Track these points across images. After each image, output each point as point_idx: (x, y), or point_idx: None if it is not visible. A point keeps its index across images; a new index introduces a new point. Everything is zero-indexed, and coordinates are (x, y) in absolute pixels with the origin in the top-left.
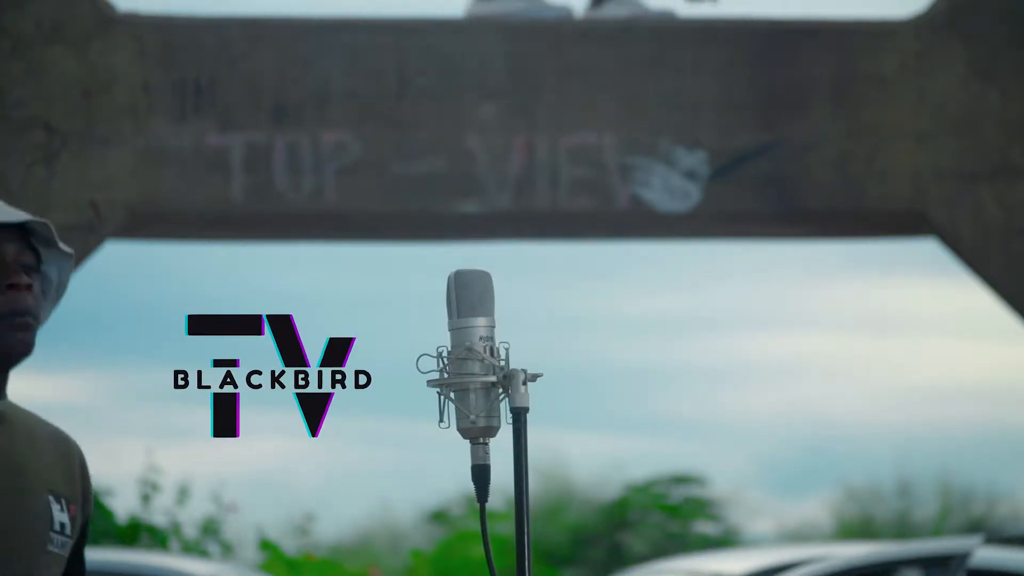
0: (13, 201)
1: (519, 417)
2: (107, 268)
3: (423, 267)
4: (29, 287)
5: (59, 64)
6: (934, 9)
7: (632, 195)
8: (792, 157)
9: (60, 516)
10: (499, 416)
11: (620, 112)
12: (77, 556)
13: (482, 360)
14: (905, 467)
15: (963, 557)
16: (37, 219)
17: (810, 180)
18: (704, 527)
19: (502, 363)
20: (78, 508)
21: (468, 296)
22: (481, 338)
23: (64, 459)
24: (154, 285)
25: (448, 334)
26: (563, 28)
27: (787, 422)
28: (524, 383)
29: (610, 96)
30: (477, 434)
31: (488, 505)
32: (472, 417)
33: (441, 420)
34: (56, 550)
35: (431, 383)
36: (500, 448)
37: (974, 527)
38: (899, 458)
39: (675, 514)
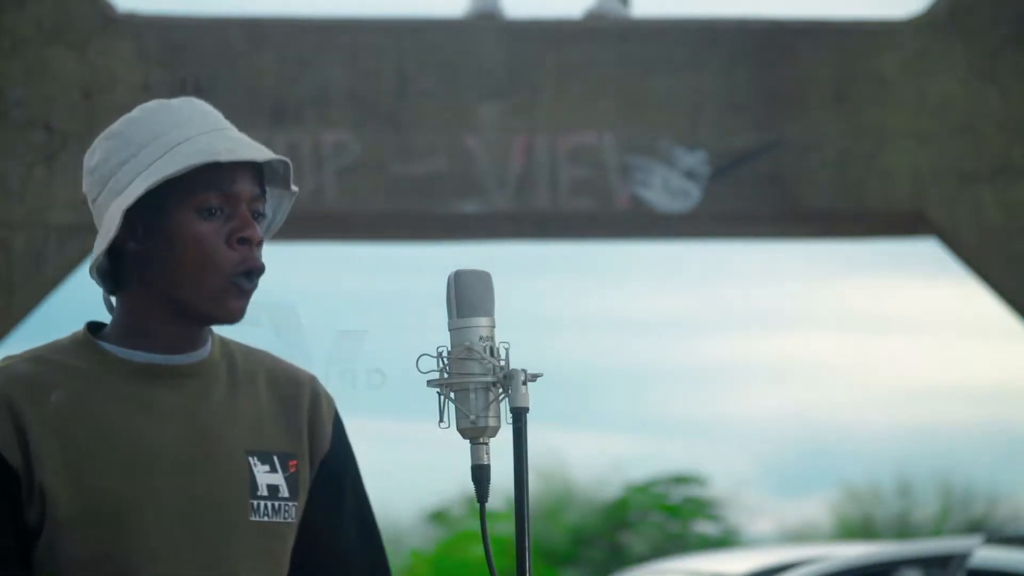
0: (13, 201)
1: (519, 417)
2: None
3: (423, 267)
4: (261, 243)
5: (59, 64)
6: (934, 9)
7: (632, 195)
8: (792, 157)
9: (268, 478)
10: (499, 416)
11: (620, 112)
12: (331, 514)
13: (482, 360)
14: (905, 467)
15: (963, 557)
16: (280, 157)
17: (810, 180)
18: (704, 527)
19: (502, 363)
20: (304, 461)
21: (468, 296)
22: (481, 338)
23: (287, 408)
24: None
25: (448, 334)
26: (563, 28)
27: (787, 422)
28: (524, 383)
29: (610, 96)
30: (477, 434)
31: (488, 505)
32: (472, 417)
33: (441, 420)
34: (264, 518)
35: (431, 383)
36: (500, 448)
37: (974, 527)
38: (899, 458)
39: (675, 514)
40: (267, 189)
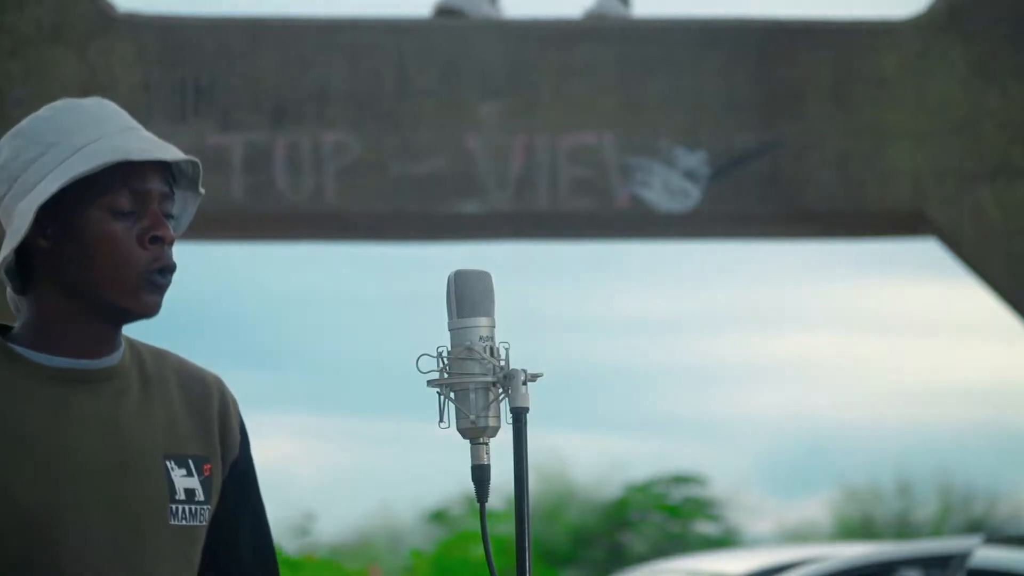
0: None
1: (519, 417)
2: None
3: (423, 267)
4: (172, 242)
5: (59, 64)
6: (934, 9)
7: (632, 195)
8: (792, 157)
9: (185, 482)
10: (499, 416)
11: (620, 112)
12: (235, 516)
13: (482, 360)
14: (905, 467)
15: (963, 557)
16: (190, 158)
17: (810, 180)
18: (704, 527)
19: (502, 363)
20: (217, 465)
21: (468, 296)
22: (481, 338)
23: (198, 410)
24: None
25: (448, 334)
26: (563, 28)
27: (787, 422)
28: (524, 383)
29: (610, 96)
30: (477, 434)
31: (488, 505)
32: (472, 417)
33: (441, 420)
34: (182, 522)
35: (431, 383)
36: (500, 448)
37: (974, 527)
38: (899, 458)
39: (675, 514)
40: (177, 190)
